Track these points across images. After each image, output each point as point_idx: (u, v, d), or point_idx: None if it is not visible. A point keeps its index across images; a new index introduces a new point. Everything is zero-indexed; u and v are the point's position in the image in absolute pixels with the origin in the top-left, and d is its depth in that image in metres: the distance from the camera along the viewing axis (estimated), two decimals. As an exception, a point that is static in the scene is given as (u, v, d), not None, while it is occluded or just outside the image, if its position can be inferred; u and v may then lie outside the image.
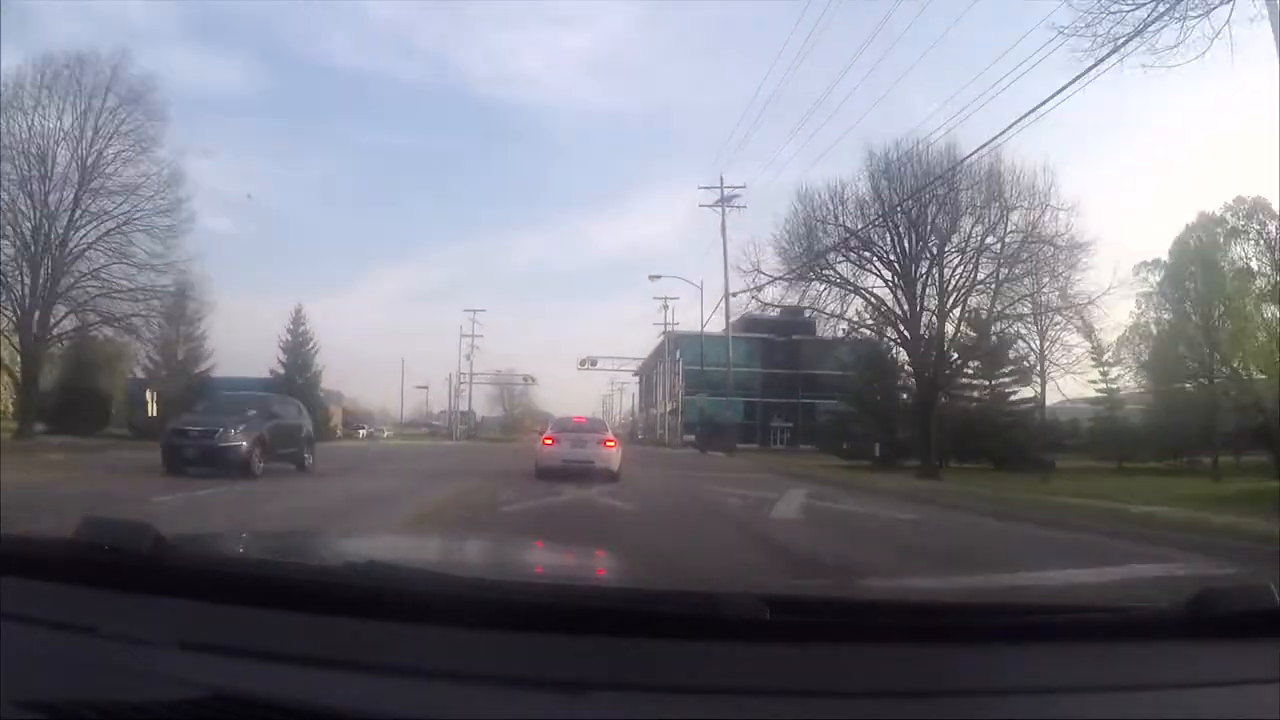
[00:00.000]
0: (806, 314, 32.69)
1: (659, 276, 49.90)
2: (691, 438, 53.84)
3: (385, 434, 65.05)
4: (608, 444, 15.23)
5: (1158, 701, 0.93)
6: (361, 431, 62.14)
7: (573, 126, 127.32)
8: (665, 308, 62.39)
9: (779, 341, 66.05)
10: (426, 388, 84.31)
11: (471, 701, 0.88)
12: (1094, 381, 34.28)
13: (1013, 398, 30.87)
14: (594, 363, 64.40)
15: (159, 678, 0.89)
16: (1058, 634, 1.08)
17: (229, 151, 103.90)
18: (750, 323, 59.02)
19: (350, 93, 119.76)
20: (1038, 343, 34.21)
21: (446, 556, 2.21)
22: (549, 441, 15.31)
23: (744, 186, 41.87)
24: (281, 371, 48.59)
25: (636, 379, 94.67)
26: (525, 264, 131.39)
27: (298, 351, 50.20)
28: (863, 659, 1.01)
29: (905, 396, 29.09)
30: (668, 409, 66.81)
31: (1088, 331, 30.82)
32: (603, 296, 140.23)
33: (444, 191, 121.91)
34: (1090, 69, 12.49)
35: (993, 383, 30.06)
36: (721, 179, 41.11)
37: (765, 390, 66.67)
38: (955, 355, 26.82)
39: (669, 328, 62.90)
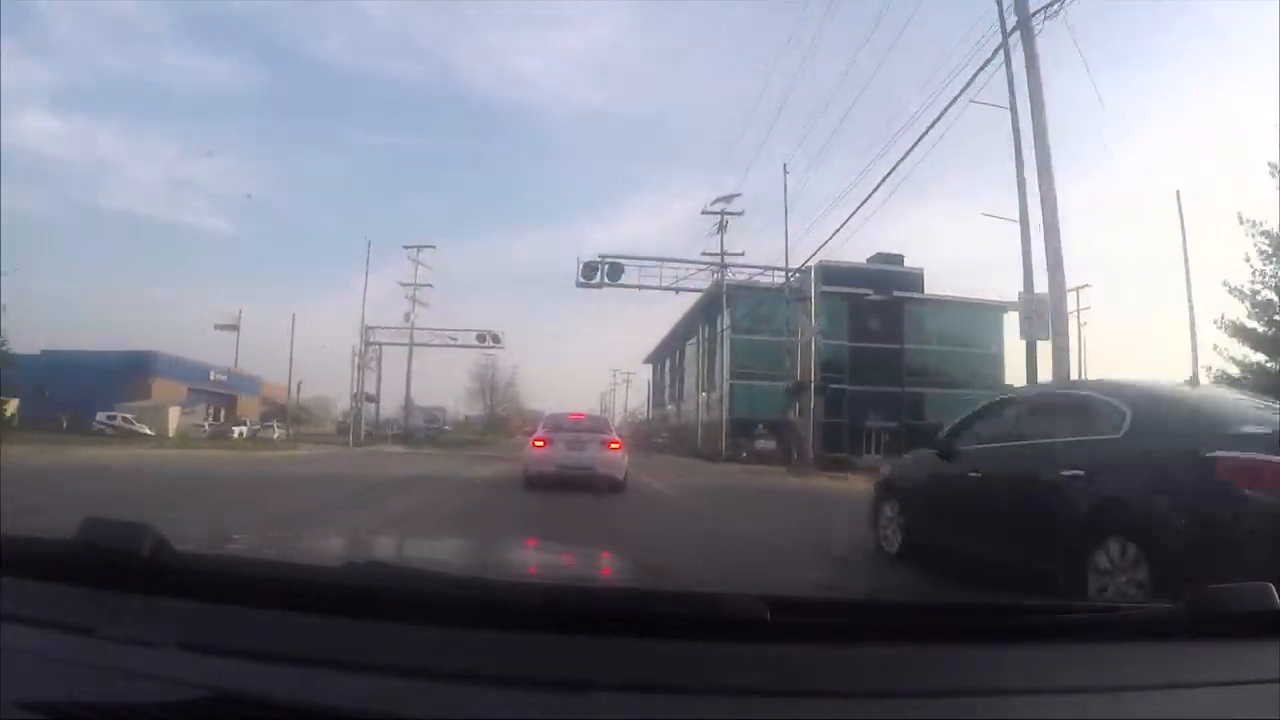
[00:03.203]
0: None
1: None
2: (769, 445, 36.06)
3: (276, 434, 48.99)
4: (612, 446, 13.63)
5: (1158, 701, 0.95)
6: (238, 430, 47.29)
7: (571, 126, 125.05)
8: (721, 226, 35.17)
9: (872, 303, 44.15)
10: (237, 329, 59.23)
11: (471, 701, 0.91)
12: None
13: None
14: (616, 274, 32.16)
15: (158, 678, 0.92)
16: (1058, 634, 1.10)
17: (229, 152, 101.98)
18: (830, 273, 39.72)
19: (348, 92, 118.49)
20: None
21: (446, 556, 2.25)
22: (540, 443, 13.50)
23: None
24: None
25: (650, 367, 77.17)
26: (523, 263, 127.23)
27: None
28: (863, 659, 1.03)
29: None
30: (721, 398, 45.54)
31: None
32: (599, 298, 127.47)
33: (441, 191, 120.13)
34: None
35: None
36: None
37: (855, 374, 45.12)
38: None
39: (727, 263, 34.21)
